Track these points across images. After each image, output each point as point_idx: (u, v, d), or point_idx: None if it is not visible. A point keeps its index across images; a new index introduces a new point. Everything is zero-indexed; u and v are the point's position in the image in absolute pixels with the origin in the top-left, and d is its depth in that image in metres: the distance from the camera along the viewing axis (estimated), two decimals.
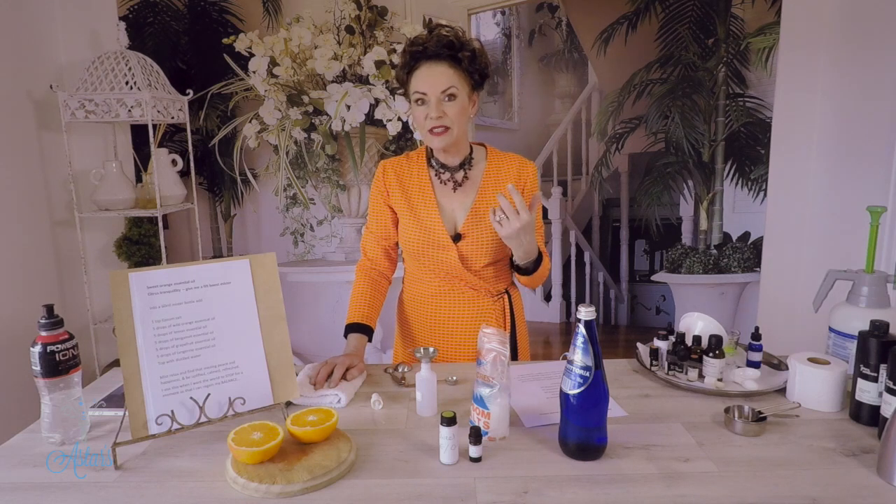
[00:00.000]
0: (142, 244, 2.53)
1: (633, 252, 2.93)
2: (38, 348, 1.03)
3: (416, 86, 1.31)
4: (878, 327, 1.05)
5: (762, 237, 2.69)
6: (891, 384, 0.98)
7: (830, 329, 1.23)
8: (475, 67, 1.33)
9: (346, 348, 1.37)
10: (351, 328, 1.41)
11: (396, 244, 1.52)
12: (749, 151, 2.66)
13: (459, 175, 1.43)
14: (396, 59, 2.54)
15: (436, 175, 1.44)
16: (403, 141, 2.65)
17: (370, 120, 2.59)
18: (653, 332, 1.37)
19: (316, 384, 1.23)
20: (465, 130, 1.38)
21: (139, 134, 2.55)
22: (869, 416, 1.06)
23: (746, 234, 2.73)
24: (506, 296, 1.51)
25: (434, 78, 1.29)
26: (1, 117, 2.21)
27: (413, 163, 1.46)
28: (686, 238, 2.81)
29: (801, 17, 2.46)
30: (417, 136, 2.62)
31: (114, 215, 2.36)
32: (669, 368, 1.28)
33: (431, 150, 1.45)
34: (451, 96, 1.30)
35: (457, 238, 1.41)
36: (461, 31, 1.33)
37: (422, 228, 1.40)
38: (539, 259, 1.37)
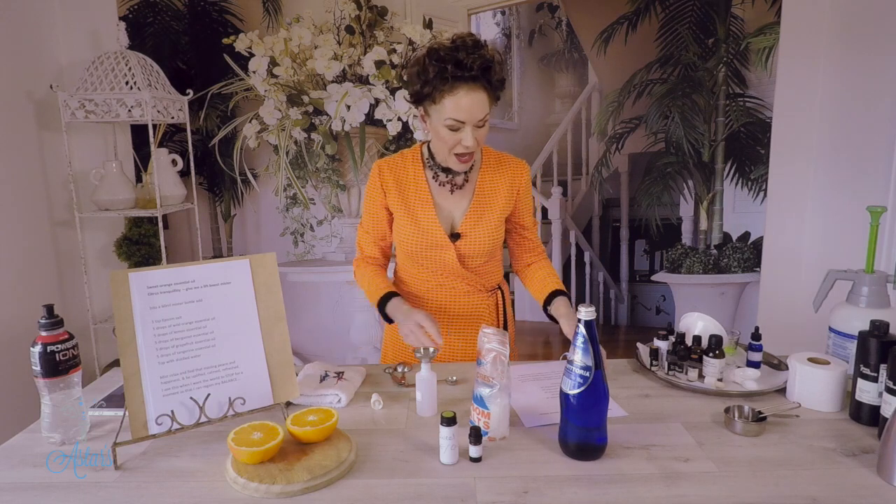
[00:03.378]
0: (142, 244, 2.53)
1: (633, 252, 2.93)
2: (38, 348, 1.03)
3: (452, 111, 1.24)
4: (878, 327, 1.05)
5: (762, 237, 2.69)
6: (891, 384, 0.98)
7: (830, 329, 1.23)
8: (501, 88, 1.30)
9: (405, 309, 1.31)
10: (390, 295, 1.37)
11: (391, 243, 1.52)
12: (749, 151, 2.66)
13: (459, 178, 1.42)
14: (396, 59, 2.54)
15: (433, 177, 1.43)
16: (403, 141, 2.65)
17: (370, 120, 2.59)
18: (653, 332, 1.37)
19: (418, 349, 1.18)
20: None
21: (139, 134, 2.55)
22: (869, 416, 1.06)
23: (746, 234, 2.73)
24: (498, 291, 1.53)
25: (474, 106, 1.24)
26: (1, 117, 2.21)
27: (409, 163, 1.44)
28: (686, 238, 2.81)
29: (800, 18, 2.46)
30: (418, 135, 2.62)
31: (114, 215, 2.36)
32: (669, 368, 1.28)
33: (431, 153, 1.42)
34: (485, 122, 1.28)
35: (454, 237, 1.41)
36: (492, 49, 1.26)
37: (419, 229, 1.40)
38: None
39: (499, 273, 1.53)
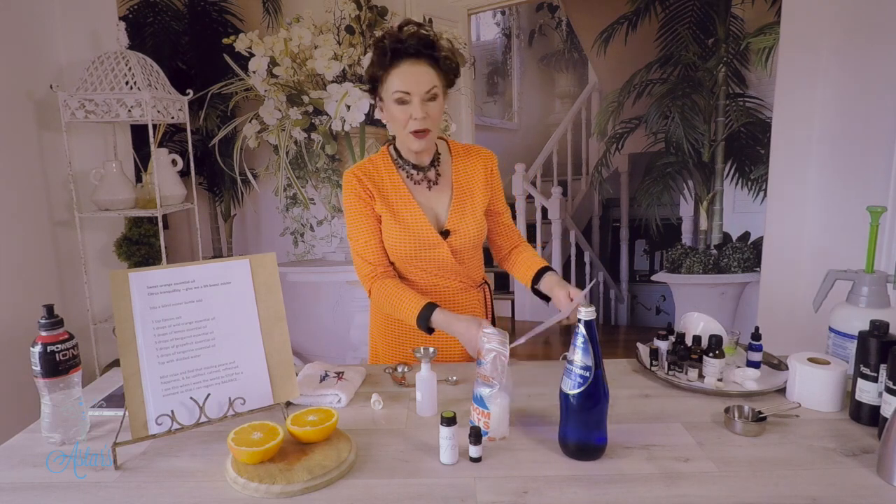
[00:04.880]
0: (142, 244, 2.53)
1: (633, 252, 2.93)
2: (38, 348, 1.03)
3: (397, 84, 1.27)
4: (878, 327, 1.05)
5: (762, 237, 2.69)
6: (891, 384, 0.98)
7: (830, 329, 1.23)
8: (450, 67, 1.33)
9: (455, 320, 1.27)
10: (430, 307, 1.32)
11: None
12: (749, 151, 2.66)
13: (432, 173, 1.43)
14: None
15: (407, 176, 1.42)
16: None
17: (370, 120, 2.59)
18: (653, 332, 1.37)
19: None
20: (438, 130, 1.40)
21: (139, 134, 2.55)
22: (869, 416, 1.06)
23: (746, 234, 2.73)
24: (485, 286, 1.55)
25: (417, 77, 1.27)
26: (1, 117, 2.21)
27: (380, 167, 1.43)
28: (686, 238, 2.81)
29: (801, 17, 2.46)
30: None
31: (114, 215, 2.36)
32: (669, 368, 1.28)
33: (398, 152, 1.43)
34: (434, 97, 1.30)
35: (444, 234, 1.41)
36: (440, 33, 1.33)
37: (408, 231, 1.38)
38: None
39: (482, 265, 1.56)
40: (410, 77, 1.27)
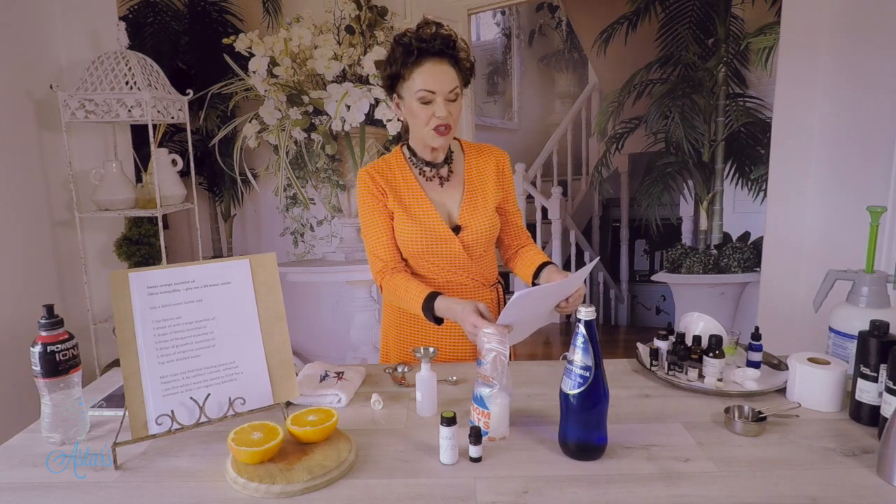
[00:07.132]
0: (142, 244, 2.53)
1: (633, 252, 2.93)
2: (38, 348, 1.03)
3: (422, 83, 1.29)
4: (878, 327, 1.05)
5: (762, 237, 2.69)
6: (891, 384, 0.98)
7: (830, 329, 1.23)
8: (467, 67, 1.35)
9: (454, 303, 1.26)
10: (433, 296, 1.32)
11: None
12: (749, 151, 2.66)
13: (444, 170, 1.45)
14: None
15: (420, 173, 1.44)
16: (403, 141, 2.65)
17: (370, 120, 2.59)
18: (653, 332, 1.37)
19: (484, 332, 1.09)
20: None
21: (139, 134, 2.55)
22: (869, 416, 1.06)
23: (746, 234, 2.73)
24: (499, 285, 1.55)
25: (442, 76, 1.29)
26: (1, 117, 2.21)
27: (393, 165, 1.45)
28: (686, 238, 2.81)
29: (801, 17, 2.46)
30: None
31: (114, 215, 2.36)
32: (669, 368, 1.28)
33: (411, 150, 1.45)
34: (456, 96, 1.32)
35: (456, 230, 1.42)
36: (456, 34, 1.34)
37: (420, 226, 1.40)
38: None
39: (496, 264, 1.56)
40: (435, 76, 1.29)
